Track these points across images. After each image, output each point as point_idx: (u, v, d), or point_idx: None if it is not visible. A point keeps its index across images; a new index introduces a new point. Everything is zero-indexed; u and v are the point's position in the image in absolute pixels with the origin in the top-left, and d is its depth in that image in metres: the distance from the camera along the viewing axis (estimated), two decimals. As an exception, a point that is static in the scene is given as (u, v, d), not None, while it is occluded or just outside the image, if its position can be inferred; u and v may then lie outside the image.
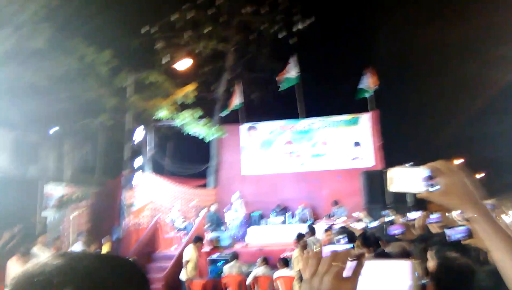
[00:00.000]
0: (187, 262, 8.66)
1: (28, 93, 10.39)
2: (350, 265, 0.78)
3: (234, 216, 12.61)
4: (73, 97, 11.17)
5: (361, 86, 15.11)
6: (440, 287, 2.23)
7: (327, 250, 0.83)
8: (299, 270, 6.01)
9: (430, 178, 1.07)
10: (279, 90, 15.98)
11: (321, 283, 0.77)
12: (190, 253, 8.74)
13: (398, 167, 1.12)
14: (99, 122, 11.89)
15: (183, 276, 8.69)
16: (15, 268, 6.76)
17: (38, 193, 10.82)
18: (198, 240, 9.07)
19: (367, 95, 14.96)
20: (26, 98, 10.46)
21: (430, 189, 1.06)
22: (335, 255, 0.79)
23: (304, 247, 7.42)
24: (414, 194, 1.09)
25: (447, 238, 2.56)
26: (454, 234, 2.54)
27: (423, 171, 1.08)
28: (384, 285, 0.88)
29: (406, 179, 1.09)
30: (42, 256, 5.93)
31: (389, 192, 9.68)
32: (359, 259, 0.80)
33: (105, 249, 7.29)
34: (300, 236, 8.02)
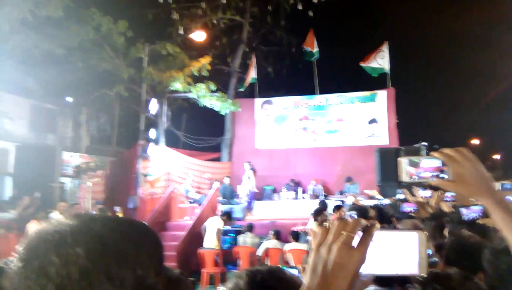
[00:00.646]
0: (218, 231, 8.94)
1: (44, 62, 10.49)
2: (360, 235, 0.77)
3: (245, 186, 12.60)
4: (89, 67, 11.24)
5: (374, 64, 14.77)
6: (451, 265, 2.23)
7: None
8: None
9: (442, 166, 1.07)
10: (298, 65, 15.74)
11: (330, 252, 0.75)
12: (220, 225, 9.03)
13: (407, 157, 1.13)
14: (115, 93, 11.96)
15: (209, 244, 8.89)
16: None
17: (56, 161, 11.07)
18: (225, 214, 9.43)
19: (376, 74, 14.64)
20: (43, 67, 10.57)
21: (444, 178, 1.05)
22: (344, 224, 0.77)
23: (323, 223, 7.45)
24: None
25: (462, 216, 2.54)
26: (469, 213, 2.53)
27: (435, 159, 1.08)
28: (393, 256, 0.87)
29: (418, 167, 1.10)
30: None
31: (403, 171, 9.61)
32: (369, 229, 0.78)
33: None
34: (318, 212, 7.95)
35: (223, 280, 8.44)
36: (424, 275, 0.85)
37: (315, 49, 15.27)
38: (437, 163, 1.03)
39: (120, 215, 7.41)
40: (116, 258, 0.65)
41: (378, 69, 14.76)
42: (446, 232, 2.60)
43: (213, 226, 8.98)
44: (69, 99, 12.66)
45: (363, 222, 0.78)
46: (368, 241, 0.77)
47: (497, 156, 30.72)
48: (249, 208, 12.11)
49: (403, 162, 0.98)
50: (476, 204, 2.69)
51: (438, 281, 1.39)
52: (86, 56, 11.11)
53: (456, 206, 4.05)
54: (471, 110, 26.07)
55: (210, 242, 8.89)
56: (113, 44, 11.39)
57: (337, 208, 8.12)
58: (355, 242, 0.76)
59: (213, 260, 8.76)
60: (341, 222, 0.78)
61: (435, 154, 1.10)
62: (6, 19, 8.86)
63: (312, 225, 7.75)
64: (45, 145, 12.19)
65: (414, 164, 0.98)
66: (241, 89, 15.94)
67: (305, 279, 0.77)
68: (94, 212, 7.89)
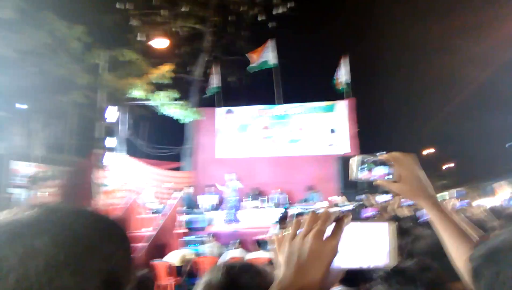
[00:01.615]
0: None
1: (-5, 66, 9.93)
2: (331, 226, 0.77)
3: (230, 195, 12.37)
4: (43, 72, 10.75)
5: (336, 77, 15.19)
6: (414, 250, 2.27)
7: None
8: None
9: (387, 167, 1.14)
10: (252, 72, 15.84)
11: (303, 243, 0.76)
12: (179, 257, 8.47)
13: (357, 156, 1.16)
14: (71, 100, 11.50)
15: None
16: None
17: (4, 170, 10.44)
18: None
19: (342, 89, 15.09)
20: (-6, 72, 10.00)
21: (386, 178, 1.13)
22: (316, 216, 0.78)
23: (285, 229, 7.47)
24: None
25: (417, 219, 2.61)
26: (424, 216, 2.60)
27: (384, 166, 1.14)
28: (364, 248, 0.87)
29: (368, 167, 1.15)
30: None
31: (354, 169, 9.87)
32: (341, 220, 0.79)
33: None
34: (283, 219, 7.98)
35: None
36: (394, 265, 0.86)
37: (273, 59, 15.38)
38: (385, 170, 1.10)
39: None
40: (82, 252, 0.60)
41: (264, 64, 15.17)
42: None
43: (176, 258, 8.51)
44: (22, 105, 12.02)
45: (335, 214, 0.79)
46: (341, 232, 0.78)
47: (451, 164, 32.42)
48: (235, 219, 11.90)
49: (357, 160, 1.01)
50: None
51: (400, 274, 1.43)
52: (41, 61, 10.63)
53: (415, 209, 4.18)
54: (428, 119, 27.37)
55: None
56: (69, 49, 10.98)
57: (299, 215, 8.18)
58: (328, 234, 0.77)
59: (165, 272, 8.47)
60: (313, 215, 0.79)
61: (384, 155, 1.16)
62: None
63: (274, 232, 7.75)
64: (-5, 155, 11.48)
65: (368, 167, 1.02)
66: (199, 95, 15.82)
67: (280, 271, 0.76)
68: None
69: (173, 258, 8.40)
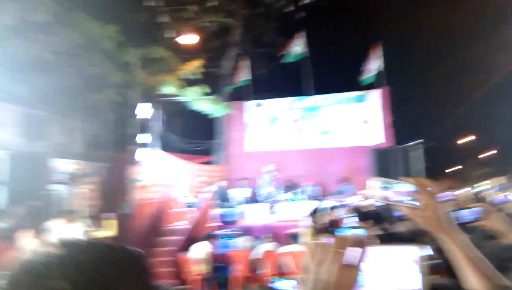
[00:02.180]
0: (206, 256, 8.46)
1: (34, 68, 10.35)
2: (353, 251, 0.76)
3: (265, 189, 12.22)
4: (79, 72, 11.12)
5: (363, 68, 14.77)
6: (450, 266, 2.18)
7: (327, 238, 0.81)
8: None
9: (412, 193, 1.08)
10: (283, 63, 15.72)
11: (320, 270, 0.76)
12: (208, 249, 8.56)
13: (378, 178, 1.12)
14: (107, 98, 11.85)
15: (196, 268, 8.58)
16: (27, 241, 6.90)
17: (47, 168, 10.92)
18: (210, 237, 8.89)
19: (367, 79, 14.67)
20: (33, 73, 10.43)
21: (411, 205, 1.08)
22: (342, 241, 0.77)
23: (317, 223, 7.28)
24: (418, 174, 1.11)
25: (459, 219, 2.50)
26: (466, 215, 2.48)
27: (407, 185, 1.09)
28: (393, 271, 0.85)
29: (389, 190, 1.10)
30: (57, 232, 6.00)
31: (402, 169, 9.62)
32: (360, 244, 0.78)
33: (107, 226, 7.38)
34: (314, 212, 7.90)
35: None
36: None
37: (302, 50, 15.18)
38: (406, 188, 1.04)
39: (114, 222, 7.34)
40: None
41: (297, 55, 14.87)
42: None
43: (200, 252, 8.61)
44: (60, 105, 12.51)
45: (353, 238, 0.78)
46: (361, 258, 0.76)
47: (493, 152, 30.88)
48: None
49: (376, 183, 0.98)
50: (473, 206, 2.65)
51: None
52: (76, 61, 11.00)
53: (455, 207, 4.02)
54: (465, 106, 26.21)
55: (198, 267, 8.58)
56: (104, 49, 11.28)
57: (333, 209, 8.09)
58: (348, 259, 0.75)
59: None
60: (339, 240, 0.78)
61: (409, 179, 1.12)
62: (-6, 26, 8.75)
63: (305, 225, 7.65)
64: (38, 153, 12.03)
65: (390, 188, 0.98)
66: (229, 89, 15.84)
67: None
68: (84, 220, 7.81)
69: (197, 251, 8.53)
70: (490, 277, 1.06)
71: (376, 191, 1.11)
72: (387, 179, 1.11)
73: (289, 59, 15.40)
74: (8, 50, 9.62)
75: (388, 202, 1.10)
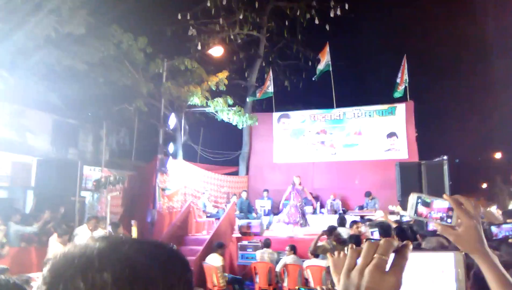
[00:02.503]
0: (218, 270, 8.29)
1: (66, 78, 10.73)
2: (393, 257, 0.71)
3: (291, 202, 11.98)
4: (110, 83, 11.46)
5: (398, 79, 14.62)
6: (479, 285, 2.12)
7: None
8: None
9: (448, 210, 1.07)
10: (313, 79, 15.77)
11: (361, 277, 0.70)
12: (218, 262, 8.36)
13: (418, 194, 1.11)
14: (134, 108, 12.14)
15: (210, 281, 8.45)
16: (55, 245, 7.08)
17: (78, 174, 11.21)
18: (220, 246, 8.66)
19: (401, 94, 14.50)
20: (65, 83, 10.81)
21: (446, 222, 1.07)
22: (375, 246, 0.72)
23: (338, 239, 7.25)
24: (453, 191, 1.10)
25: (493, 235, 2.44)
26: (500, 231, 2.42)
27: (442, 201, 1.08)
28: (428, 279, 0.81)
29: (425, 206, 1.09)
30: (83, 237, 6.13)
31: (426, 185, 9.41)
32: (403, 250, 0.72)
33: (133, 232, 7.46)
34: (332, 229, 7.90)
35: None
36: None
37: (326, 63, 15.22)
38: (441, 205, 1.04)
39: (135, 228, 7.42)
40: (144, 285, 0.61)
41: (325, 68, 14.97)
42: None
43: (212, 264, 8.43)
44: (90, 114, 12.90)
45: (396, 243, 0.72)
46: (403, 264, 0.71)
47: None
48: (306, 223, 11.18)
49: (413, 198, 0.97)
50: (506, 223, 2.58)
51: None
52: (107, 71, 11.35)
53: (486, 224, 3.90)
54: (492, 122, 25.49)
55: (212, 281, 8.44)
56: (133, 60, 11.62)
57: (354, 223, 7.99)
58: (389, 265, 0.70)
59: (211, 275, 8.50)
60: (371, 244, 0.73)
61: (446, 197, 1.10)
62: (30, 36, 9.13)
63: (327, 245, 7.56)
64: (67, 159, 12.41)
65: (426, 204, 0.97)
66: (252, 99, 15.91)
67: None
68: (107, 225, 7.94)
69: (214, 260, 8.51)
70: None
71: (412, 206, 1.10)
72: (425, 195, 1.10)
73: (318, 75, 15.46)
74: (42, 60, 10.02)
75: (421, 218, 1.10)
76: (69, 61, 10.32)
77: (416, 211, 1.10)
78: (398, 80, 14.52)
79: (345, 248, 0.84)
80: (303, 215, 10.97)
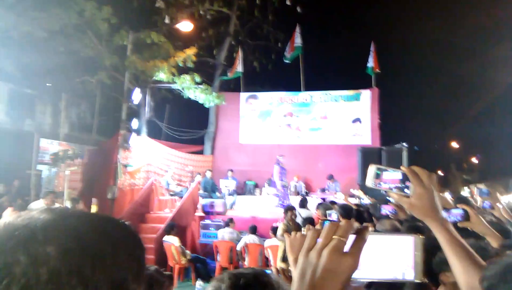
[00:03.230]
0: (176, 249, 8.36)
1: (24, 45, 10.14)
2: (352, 238, 0.72)
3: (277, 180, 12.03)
4: (71, 52, 10.95)
5: (368, 64, 14.85)
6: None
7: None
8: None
9: (404, 181, 1.12)
10: (283, 61, 15.74)
11: (319, 257, 0.70)
12: (176, 242, 8.40)
13: (374, 165, 1.16)
14: (97, 80, 11.69)
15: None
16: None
17: (34, 147, 10.76)
18: (172, 228, 8.67)
19: (372, 74, 14.77)
20: (23, 50, 10.22)
21: (401, 193, 1.13)
22: (335, 227, 0.72)
23: (293, 220, 7.32)
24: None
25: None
26: (450, 216, 2.51)
27: (399, 173, 1.13)
28: (387, 261, 0.83)
29: (387, 177, 1.14)
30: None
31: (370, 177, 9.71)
32: (362, 232, 0.73)
33: (93, 209, 7.28)
34: (289, 209, 7.98)
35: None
36: (420, 281, 0.82)
37: (296, 45, 15.24)
38: (398, 176, 1.09)
39: (95, 206, 7.24)
40: (92, 260, 0.58)
41: (297, 51, 15.18)
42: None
43: (171, 244, 8.48)
44: (49, 84, 12.29)
45: (356, 225, 0.74)
46: (361, 246, 0.72)
47: (475, 159, 31.50)
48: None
49: (372, 169, 1.01)
50: (456, 208, 2.68)
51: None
52: (68, 41, 10.81)
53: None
54: (451, 114, 26.66)
55: (173, 258, 8.51)
56: (96, 30, 11.10)
57: (318, 207, 8.17)
58: (347, 247, 0.71)
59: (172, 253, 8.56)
60: (332, 225, 0.73)
61: (403, 168, 1.15)
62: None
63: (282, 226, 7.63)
64: (22, 131, 11.86)
65: (384, 175, 1.02)
66: (224, 78, 15.78)
67: (293, 286, 0.72)
68: (68, 202, 7.71)
69: (171, 239, 8.53)
70: (475, 264, 1.11)
71: (371, 176, 1.13)
72: (381, 166, 1.14)
73: (291, 57, 15.43)
74: (-2, 25, 9.41)
75: (379, 188, 1.13)
76: (27, 27, 9.75)
77: (374, 182, 1.13)
78: (371, 65, 14.71)
79: (302, 229, 0.83)
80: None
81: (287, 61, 15.70)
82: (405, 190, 1.12)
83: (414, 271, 0.81)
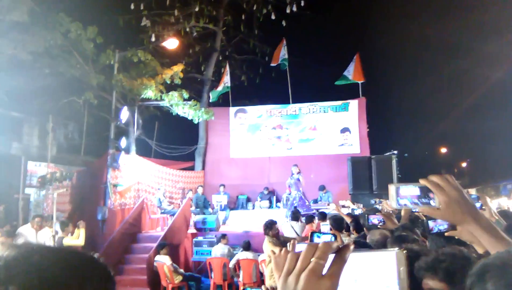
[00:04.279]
0: (169, 269, 8.25)
1: (9, 68, 10.08)
2: (332, 259, 0.71)
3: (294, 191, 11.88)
4: (57, 74, 10.90)
5: (345, 73, 15.00)
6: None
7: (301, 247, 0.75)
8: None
9: (426, 194, 1.09)
10: (264, 70, 15.87)
11: (297, 281, 0.69)
12: (167, 261, 8.30)
13: (398, 184, 1.13)
14: (84, 101, 11.62)
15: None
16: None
17: (22, 170, 10.60)
18: (162, 247, 8.57)
19: (347, 82, 14.89)
20: (8, 73, 10.16)
21: (431, 205, 1.08)
22: (313, 249, 0.71)
23: (276, 235, 6.85)
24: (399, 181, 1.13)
25: (429, 229, 2.53)
26: (436, 225, 2.51)
27: (421, 186, 1.10)
28: (370, 279, 0.80)
29: (406, 193, 1.11)
30: (27, 237, 5.73)
31: (376, 179, 9.75)
32: (342, 252, 0.71)
33: (79, 232, 7.14)
34: (269, 225, 7.14)
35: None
36: None
37: (282, 58, 15.38)
38: (415, 191, 1.07)
39: (83, 229, 7.11)
40: None
41: (283, 63, 15.31)
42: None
43: (163, 263, 8.35)
44: (35, 106, 12.19)
45: (334, 245, 0.72)
46: (341, 267, 0.70)
47: (465, 164, 31.82)
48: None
49: (392, 189, 1.00)
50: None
51: None
52: (54, 62, 10.77)
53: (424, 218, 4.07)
54: (440, 119, 27.00)
55: (166, 278, 8.39)
56: (82, 51, 11.08)
57: (308, 220, 8.13)
58: (326, 268, 0.69)
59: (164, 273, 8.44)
60: (310, 247, 0.72)
61: (422, 180, 1.12)
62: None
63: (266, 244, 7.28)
64: (9, 155, 11.71)
65: (405, 192, 1.01)
66: (213, 100, 15.83)
67: None
68: (57, 225, 7.57)
69: (163, 259, 8.42)
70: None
71: (392, 197, 1.11)
72: (401, 183, 1.12)
73: (282, 67, 15.54)
74: (-19, 49, 9.35)
75: (405, 207, 1.12)
76: (11, 50, 9.70)
77: (398, 201, 1.11)
78: (349, 75, 14.85)
79: (288, 244, 0.82)
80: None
81: (277, 66, 15.72)
82: (431, 202, 1.09)
83: (399, 287, 0.79)
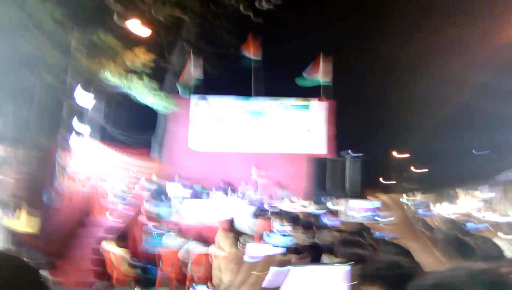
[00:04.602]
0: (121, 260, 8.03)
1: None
2: (273, 272, 0.73)
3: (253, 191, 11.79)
4: (13, 49, 10.27)
5: (305, 73, 15.12)
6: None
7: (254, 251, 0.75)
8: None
9: (378, 209, 1.22)
10: (234, 65, 15.74)
11: None
12: (118, 252, 8.10)
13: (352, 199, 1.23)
14: (36, 76, 11.03)
15: None
16: None
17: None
18: (112, 234, 8.40)
19: (309, 84, 15.07)
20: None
21: (381, 220, 1.26)
22: (255, 264, 0.75)
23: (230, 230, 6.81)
24: (354, 184, 1.22)
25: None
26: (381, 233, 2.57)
27: (373, 202, 1.22)
28: None
29: (357, 208, 1.23)
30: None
31: (332, 181, 9.98)
32: (285, 265, 0.73)
33: (28, 222, 6.81)
34: (230, 221, 7.17)
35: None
36: None
37: (253, 54, 15.32)
38: (374, 205, 1.15)
39: (24, 215, 6.78)
40: None
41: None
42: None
43: (113, 251, 8.15)
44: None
45: (276, 258, 0.75)
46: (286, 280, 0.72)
47: (423, 170, 33.74)
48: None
49: (340, 204, 1.05)
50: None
51: None
52: (8, 35, 10.15)
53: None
54: (403, 125, 28.15)
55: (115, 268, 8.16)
56: (40, 26, 10.50)
57: (259, 216, 8.17)
58: (266, 281, 0.71)
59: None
60: (263, 263, 0.75)
61: (370, 197, 1.29)
62: None
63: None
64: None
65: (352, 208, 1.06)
66: (179, 86, 15.52)
67: None
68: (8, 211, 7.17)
69: (113, 248, 8.21)
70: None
71: (344, 212, 1.14)
72: (354, 200, 1.16)
73: (244, 63, 15.44)
74: None
75: (362, 224, 1.17)
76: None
77: (346, 212, 1.14)
78: (308, 74, 15.00)
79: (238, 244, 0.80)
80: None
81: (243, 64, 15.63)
82: (381, 218, 1.17)
83: None
